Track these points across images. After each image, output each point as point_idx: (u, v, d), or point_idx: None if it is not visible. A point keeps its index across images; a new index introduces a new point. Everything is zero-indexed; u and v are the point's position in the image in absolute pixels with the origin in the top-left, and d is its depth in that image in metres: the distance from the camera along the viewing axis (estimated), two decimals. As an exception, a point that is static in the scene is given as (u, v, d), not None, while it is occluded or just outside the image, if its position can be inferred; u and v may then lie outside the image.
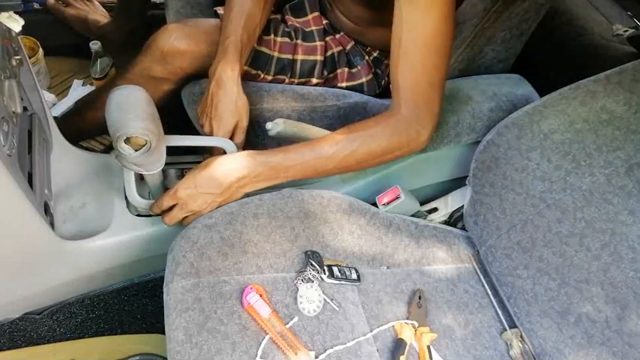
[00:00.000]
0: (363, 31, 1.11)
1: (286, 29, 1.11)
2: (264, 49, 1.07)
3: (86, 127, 1.15)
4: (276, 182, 0.87)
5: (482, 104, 0.99)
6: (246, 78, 1.07)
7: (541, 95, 0.97)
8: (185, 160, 1.02)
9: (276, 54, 1.08)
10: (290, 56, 1.09)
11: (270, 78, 1.10)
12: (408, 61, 0.84)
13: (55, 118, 0.94)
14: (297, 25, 1.12)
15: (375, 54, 1.14)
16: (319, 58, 1.10)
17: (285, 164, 0.85)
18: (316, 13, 1.14)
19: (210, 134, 0.94)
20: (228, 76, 0.93)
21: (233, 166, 0.84)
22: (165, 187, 0.92)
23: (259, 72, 1.08)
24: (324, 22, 1.14)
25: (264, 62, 1.08)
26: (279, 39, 1.08)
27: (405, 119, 0.86)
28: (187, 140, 0.91)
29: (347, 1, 1.08)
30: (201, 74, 1.06)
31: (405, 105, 0.86)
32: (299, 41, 1.10)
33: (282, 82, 1.11)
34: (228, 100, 0.93)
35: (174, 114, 1.03)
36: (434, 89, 0.86)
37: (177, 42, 1.01)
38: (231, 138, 0.95)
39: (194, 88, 1.07)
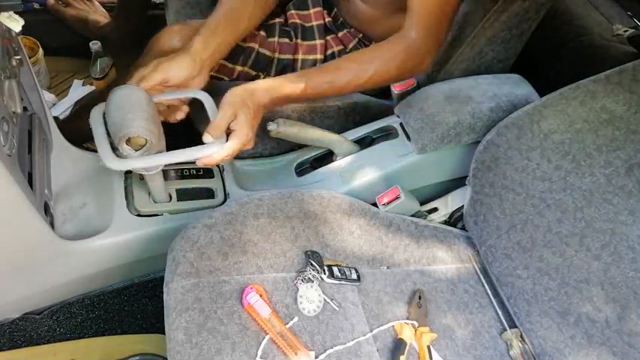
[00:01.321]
0: (379, 19, 1.08)
1: (286, 28, 1.11)
2: (265, 52, 1.07)
3: (88, 131, 1.15)
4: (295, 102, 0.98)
5: (482, 104, 0.99)
6: (247, 79, 1.07)
7: (541, 95, 0.97)
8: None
9: (277, 55, 1.08)
10: (290, 56, 1.09)
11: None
12: None
13: (55, 118, 0.94)
14: (298, 21, 1.11)
15: None
16: (319, 56, 1.10)
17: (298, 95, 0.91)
18: (318, 8, 1.13)
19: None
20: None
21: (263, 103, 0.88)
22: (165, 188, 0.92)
23: (260, 73, 1.08)
24: (327, 19, 1.14)
25: (265, 64, 1.07)
26: (279, 40, 1.08)
27: (415, 44, 0.93)
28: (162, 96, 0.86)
29: None
30: None
31: (417, 29, 0.93)
32: (299, 40, 1.10)
33: (283, 82, 1.11)
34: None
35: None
36: (445, 17, 0.95)
37: (180, 44, 1.00)
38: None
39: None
